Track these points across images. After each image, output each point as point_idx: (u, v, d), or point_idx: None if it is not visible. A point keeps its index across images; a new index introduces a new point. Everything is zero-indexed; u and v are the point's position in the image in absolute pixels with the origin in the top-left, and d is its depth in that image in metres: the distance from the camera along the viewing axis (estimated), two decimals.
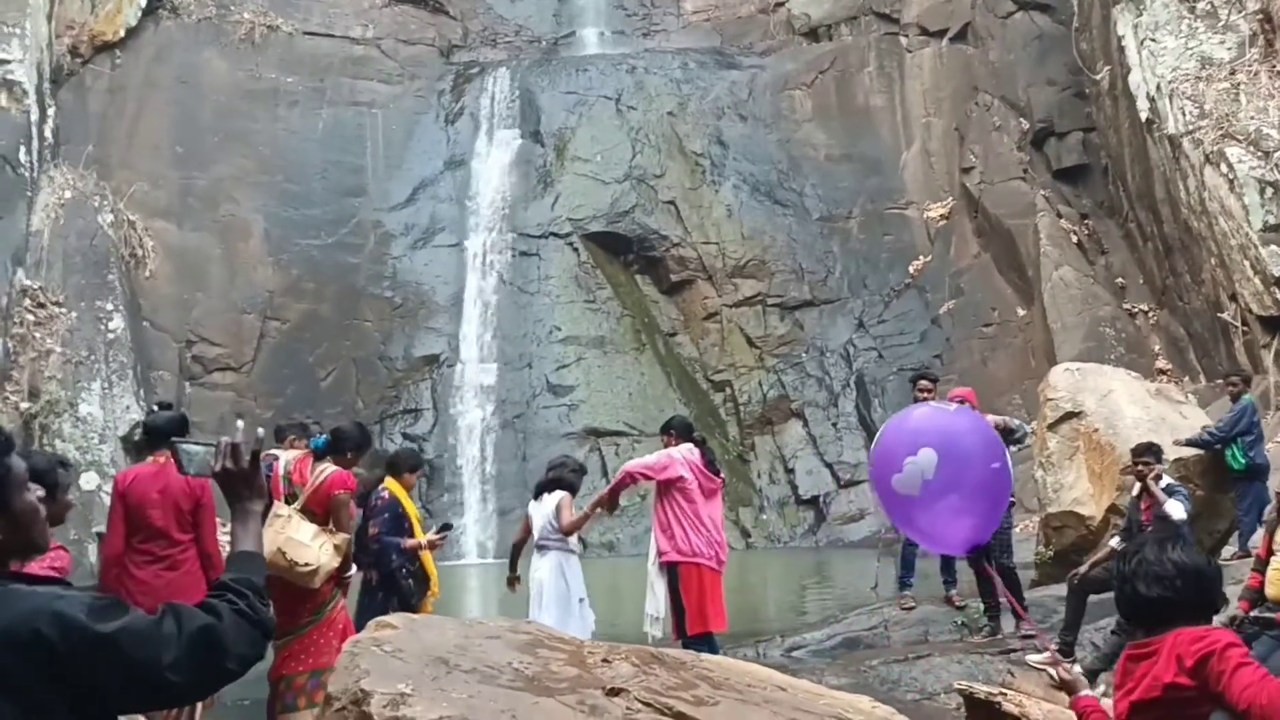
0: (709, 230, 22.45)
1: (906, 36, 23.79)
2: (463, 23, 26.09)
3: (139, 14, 22.77)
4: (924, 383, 9.58)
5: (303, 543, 6.35)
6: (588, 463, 20.22)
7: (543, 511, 7.83)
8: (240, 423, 2.96)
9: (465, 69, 24.84)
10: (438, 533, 7.42)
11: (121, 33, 22.53)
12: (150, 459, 6.32)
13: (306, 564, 6.30)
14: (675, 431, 7.93)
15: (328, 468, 6.65)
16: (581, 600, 7.70)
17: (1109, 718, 3.01)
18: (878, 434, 5.07)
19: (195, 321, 21.00)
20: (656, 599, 7.63)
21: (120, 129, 21.98)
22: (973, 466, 4.49)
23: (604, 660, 4.19)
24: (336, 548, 6.49)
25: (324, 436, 6.89)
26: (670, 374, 21.49)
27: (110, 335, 19.06)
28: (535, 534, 7.89)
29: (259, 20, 23.94)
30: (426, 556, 7.40)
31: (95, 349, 18.70)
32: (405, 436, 20.55)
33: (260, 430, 2.61)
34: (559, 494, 7.81)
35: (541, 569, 7.73)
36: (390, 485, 7.53)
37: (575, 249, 22.19)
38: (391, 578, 7.24)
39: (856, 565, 16.44)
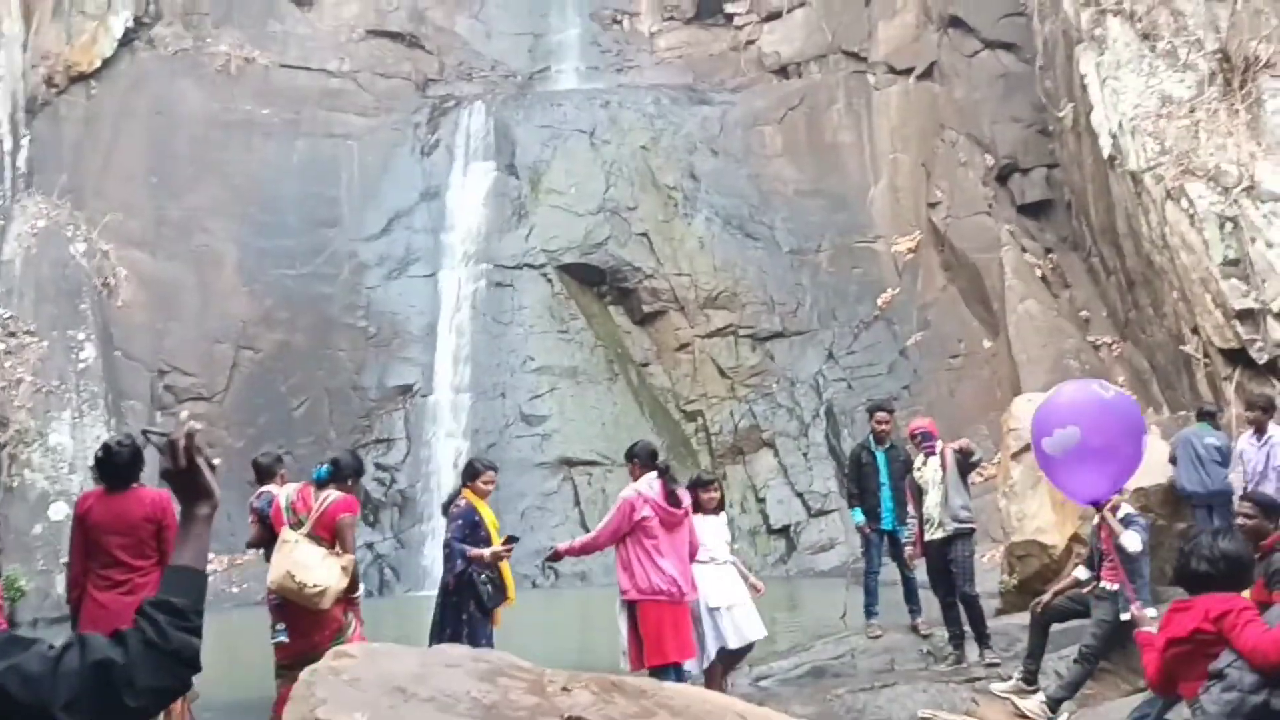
0: (681, 262, 22.67)
1: (874, 75, 24.21)
2: (439, 57, 26.34)
3: (115, 45, 22.87)
4: (881, 414, 9.82)
5: (310, 565, 6.57)
6: (560, 493, 20.41)
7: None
8: (184, 413, 2.86)
9: (441, 102, 25.05)
10: (505, 544, 7.51)
11: (97, 63, 22.62)
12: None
13: (315, 585, 6.51)
14: (639, 460, 8.03)
15: (331, 493, 6.91)
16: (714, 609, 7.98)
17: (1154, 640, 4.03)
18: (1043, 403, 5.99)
19: (168, 351, 20.97)
20: (622, 633, 7.74)
21: (95, 159, 22.03)
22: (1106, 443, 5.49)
23: (563, 689, 4.25)
24: (344, 569, 6.71)
25: (326, 466, 7.12)
26: (643, 404, 21.63)
27: (81, 364, 19.01)
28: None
29: (236, 53, 24.09)
30: (504, 568, 7.54)
31: (66, 378, 18.65)
32: (378, 466, 20.54)
33: (196, 425, 2.49)
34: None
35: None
36: (467, 494, 7.68)
37: (549, 280, 22.35)
38: (468, 582, 7.36)
39: (826, 594, 16.52)
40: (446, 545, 7.52)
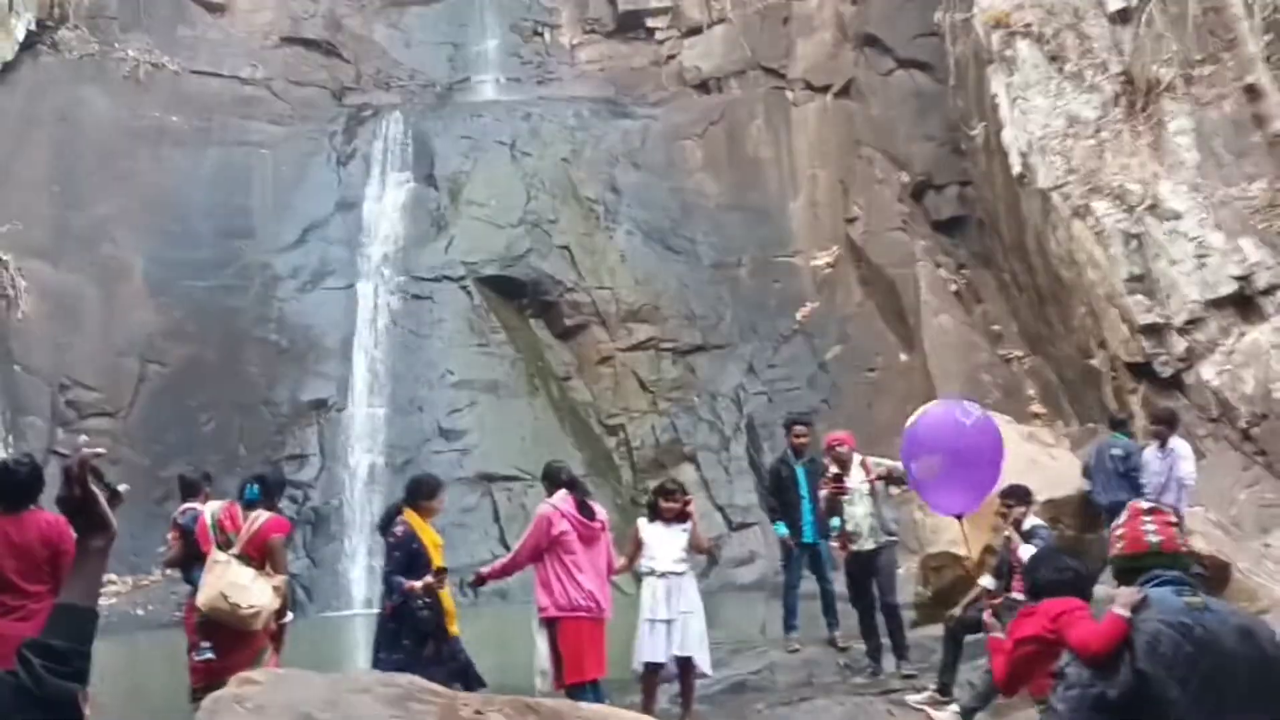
0: (603, 275, 22.62)
1: (792, 91, 24.50)
2: (356, 65, 25.96)
3: (16, 49, 22.08)
4: (799, 428, 9.93)
5: (243, 585, 6.60)
6: (480, 509, 20.16)
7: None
8: (82, 437, 2.67)
9: (358, 111, 24.68)
10: (435, 575, 7.37)
11: None
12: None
13: (250, 606, 6.55)
14: (547, 480, 8.02)
15: (261, 514, 6.97)
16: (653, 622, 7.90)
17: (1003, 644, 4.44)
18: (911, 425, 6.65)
19: (70, 365, 20.25)
20: (540, 652, 7.62)
21: None
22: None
23: (477, 712, 4.17)
24: (276, 589, 6.79)
25: (255, 487, 7.16)
26: (564, 418, 21.48)
27: None
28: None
29: (144, 58, 23.45)
30: (443, 595, 7.43)
31: None
32: (291, 483, 19.95)
33: (98, 449, 2.22)
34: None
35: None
36: (409, 515, 7.54)
37: (469, 292, 22.11)
38: (405, 611, 7.29)
39: (746, 608, 16.59)
40: (386, 578, 7.49)
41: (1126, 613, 3.30)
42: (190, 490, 8.25)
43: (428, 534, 7.58)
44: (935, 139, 22.67)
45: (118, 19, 23.92)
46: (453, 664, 7.43)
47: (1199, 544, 7.51)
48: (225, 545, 6.95)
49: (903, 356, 21.65)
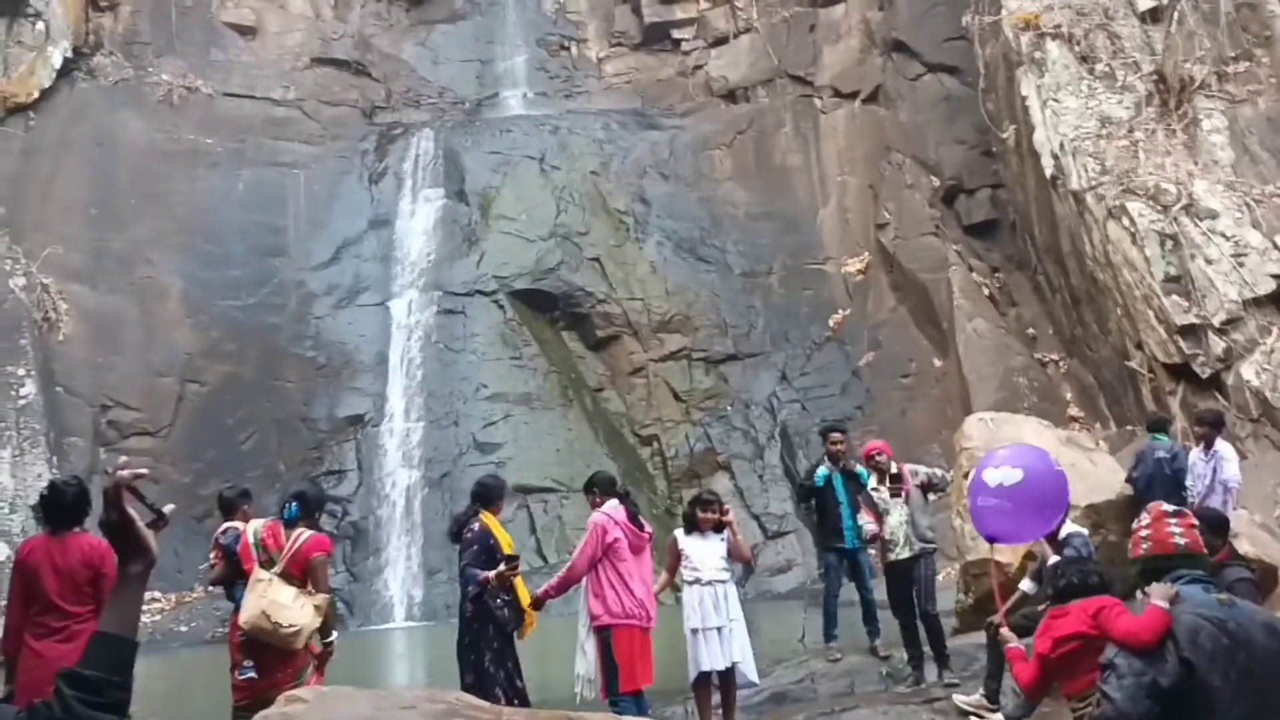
0: (634, 286, 22.68)
1: (820, 98, 24.49)
2: (385, 84, 26.23)
3: (53, 75, 22.50)
4: (835, 435, 9.79)
5: (285, 605, 6.59)
6: (515, 521, 20.20)
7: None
8: (122, 458, 2.61)
9: (388, 130, 24.92)
10: (507, 565, 7.42)
11: (35, 94, 22.23)
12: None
13: (291, 625, 6.55)
14: (599, 489, 7.99)
15: (304, 531, 6.92)
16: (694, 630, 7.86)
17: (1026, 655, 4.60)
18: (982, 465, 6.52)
19: (110, 386, 20.54)
20: (587, 661, 7.61)
21: (34, 191, 21.60)
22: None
23: None
24: (317, 608, 6.73)
25: (295, 505, 7.10)
26: (597, 429, 21.53)
27: (21, 401, 18.56)
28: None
29: (178, 82, 23.81)
30: (519, 586, 7.48)
31: (5, 415, 18.19)
32: (329, 499, 20.20)
33: (139, 470, 2.23)
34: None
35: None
36: (484, 517, 7.64)
37: (501, 306, 22.23)
38: (485, 608, 7.35)
39: (784, 617, 16.46)
40: (462, 572, 7.55)
41: (1167, 604, 3.46)
42: (229, 509, 8.31)
43: (502, 534, 7.66)
44: (965, 143, 22.57)
45: (151, 44, 24.32)
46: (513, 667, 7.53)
47: (1245, 547, 7.41)
48: (268, 564, 6.96)
49: (937, 362, 21.52)
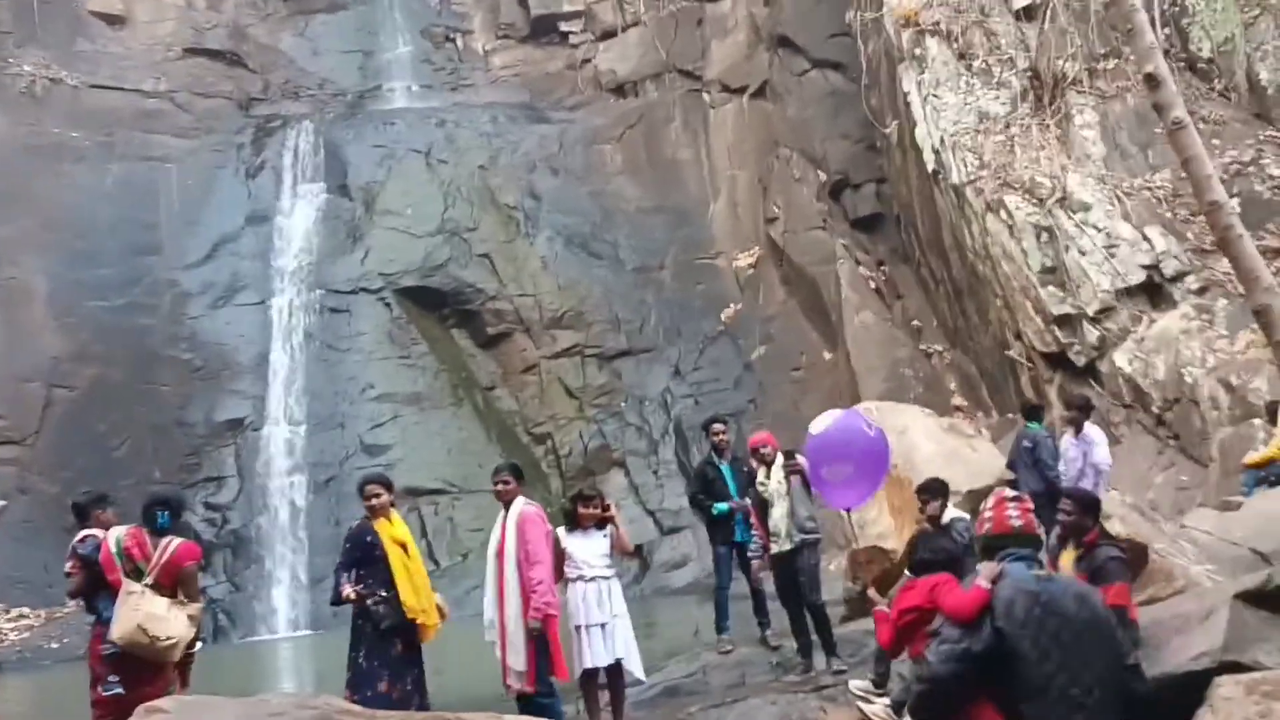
0: (525, 282, 22.41)
1: (709, 93, 24.58)
2: (262, 75, 25.41)
3: None
4: (717, 425, 9.92)
5: (161, 616, 6.42)
6: (408, 523, 19.81)
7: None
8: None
9: (266, 122, 24.15)
10: (368, 598, 7.24)
11: None
12: None
13: (169, 638, 6.40)
14: (516, 477, 7.90)
15: (173, 540, 6.72)
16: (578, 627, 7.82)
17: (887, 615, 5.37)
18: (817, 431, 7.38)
19: None
20: (519, 653, 7.46)
21: None
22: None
23: None
24: (191, 618, 6.60)
25: (166, 513, 6.89)
26: (489, 428, 21.23)
27: None
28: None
29: (41, 73, 22.68)
30: (402, 582, 7.25)
31: None
32: (208, 506, 19.54)
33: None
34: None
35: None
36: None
37: (387, 304, 21.74)
38: (361, 605, 7.19)
39: (680, 612, 16.49)
40: (335, 571, 7.44)
41: (988, 584, 4.05)
42: (83, 515, 7.82)
43: (389, 530, 7.38)
44: (851, 137, 22.89)
45: (12, 34, 23.14)
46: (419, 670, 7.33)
47: (1116, 527, 7.55)
48: (135, 574, 6.62)
49: (827, 354, 21.79)
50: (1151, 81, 6.02)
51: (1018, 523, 4.23)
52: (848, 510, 7.41)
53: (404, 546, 7.48)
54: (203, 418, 20.40)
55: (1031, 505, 4.27)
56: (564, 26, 26.30)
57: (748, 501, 9.52)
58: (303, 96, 25.29)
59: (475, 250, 22.52)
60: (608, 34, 25.89)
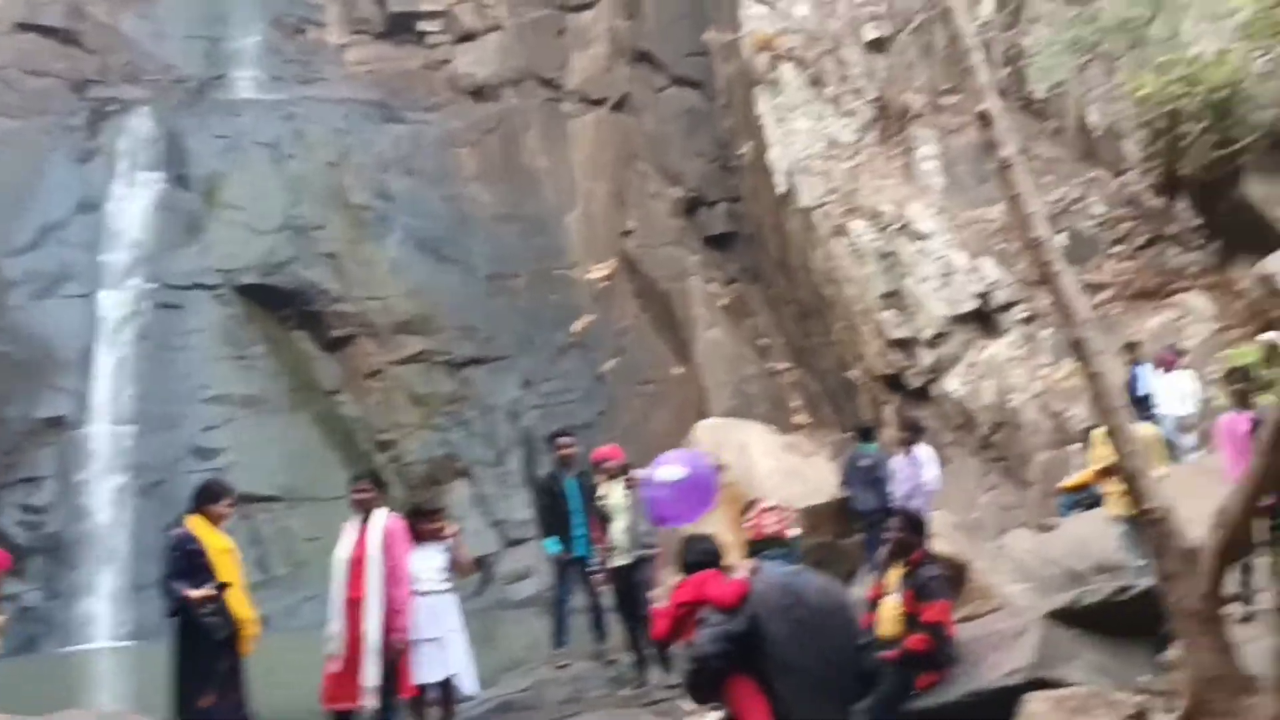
0: (373, 285, 21.87)
1: (569, 103, 24.55)
2: (100, 57, 24.08)
3: None
4: (563, 439, 9.99)
5: None
6: (237, 533, 18.99)
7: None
8: None
9: (102, 106, 22.87)
10: (217, 589, 7.02)
11: None
12: None
13: None
14: (376, 485, 7.97)
15: None
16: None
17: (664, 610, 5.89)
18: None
19: None
20: (373, 669, 7.40)
21: None
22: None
23: None
24: None
25: None
26: (330, 435, 20.62)
27: None
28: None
29: None
30: (234, 591, 7.05)
31: None
32: (24, 508, 18.37)
33: None
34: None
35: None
36: (191, 521, 7.18)
37: (225, 302, 20.87)
38: (186, 616, 6.96)
39: (521, 626, 16.37)
40: (161, 583, 7.18)
41: (748, 575, 4.78)
42: None
43: (212, 539, 7.15)
44: (706, 155, 23.21)
45: None
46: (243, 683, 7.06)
47: (941, 545, 7.86)
48: None
49: (677, 369, 22.01)
50: (984, 120, 6.28)
51: (773, 529, 4.96)
52: (669, 524, 7.74)
53: (228, 554, 7.26)
54: (20, 414, 19.12)
55: (788, 514, 5.12)
56: (422, 26, 25.83)
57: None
58: (143, 81, 24.06)
59: (321, 250, 21.85)
60: (467, 36, 25.57)
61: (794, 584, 4.74)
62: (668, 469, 7.38)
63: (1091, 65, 17.22)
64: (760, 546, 4.98)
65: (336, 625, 7.55)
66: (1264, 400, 7.76)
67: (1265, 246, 13.84)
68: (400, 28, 25.91)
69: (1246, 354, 10.92)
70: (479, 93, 25.24)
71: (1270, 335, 10.25)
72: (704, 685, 4.82)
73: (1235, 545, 5.67)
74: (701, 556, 5.78)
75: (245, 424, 19.84)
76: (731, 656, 4.66)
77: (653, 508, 7.76)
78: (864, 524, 10.71)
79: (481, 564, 20.17)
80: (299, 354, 21.38)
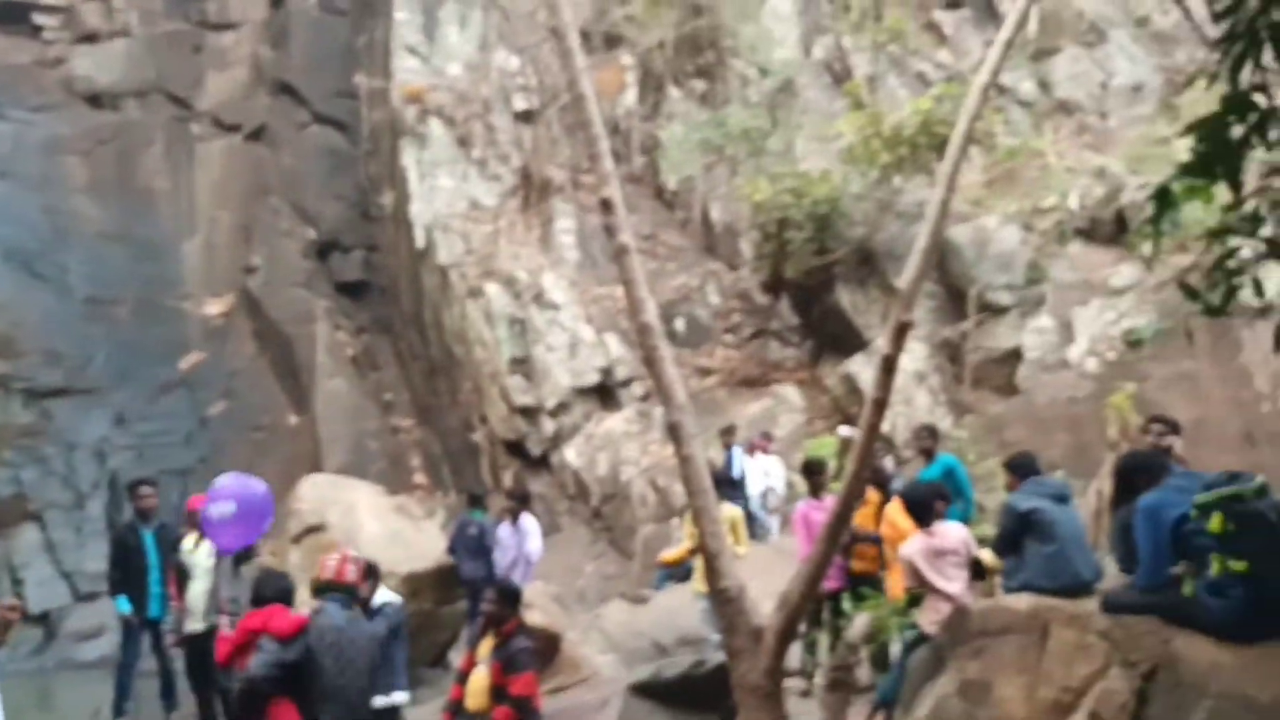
0: None
1: (199, 124, 22.98)
2: None
3: None
4: (144, 489, 9.45)
5: None
6: None
7: None
8: None
9: None
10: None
11: None
12: None
13: None
14: None
15: None
16: None
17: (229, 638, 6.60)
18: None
19: None
20: None
21: None
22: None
23: None
24: None
25: None
26: None
27: None
28: None
29: None
30: None
31: None
32: None
33: None
34: None
35: None
36: None
37: None
38: None
39: (85, 690, 14.68)
40: None
41: (308, 612, 5.75)
42: None
43: None
44: (346, 200, 22.55)
45: None
46: None
47: (536, 617, 7.90)
48: None
49: (293, 418, 20.93)
50: (606, 206, 6.50)
51: (332, 575, 5.90)
52: (229, 553, 8.02)
53: None
54: None
55: (354, 559, 6.10)
56: (38, 19, 23.21)
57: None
58: None
59: None
60: (89, 37, 23.28)
61: (346, 626, 5.75)
62: (219, 506, 7.85)
63: (717, 166, 18.70)
64: (326, 588, 5.82)
65: None
66: (835, 490, 8.50)
67: (850, 348, 15.47)
68: (12, 17, 23.13)
69: (823, 445, 12.06)
70: (96, 99, 23.01)
71: (846, 430, 11.35)
72: (249, 704, 5.53)
73: (795, 626, 6.10)
74: (272, 592, 6.23)
75: None
76: (279, 681, 5.44)
77: (214, 541, 8.05)
78: (468, 592, 10.58)
79: (47, 618, 18.03)
80: None
